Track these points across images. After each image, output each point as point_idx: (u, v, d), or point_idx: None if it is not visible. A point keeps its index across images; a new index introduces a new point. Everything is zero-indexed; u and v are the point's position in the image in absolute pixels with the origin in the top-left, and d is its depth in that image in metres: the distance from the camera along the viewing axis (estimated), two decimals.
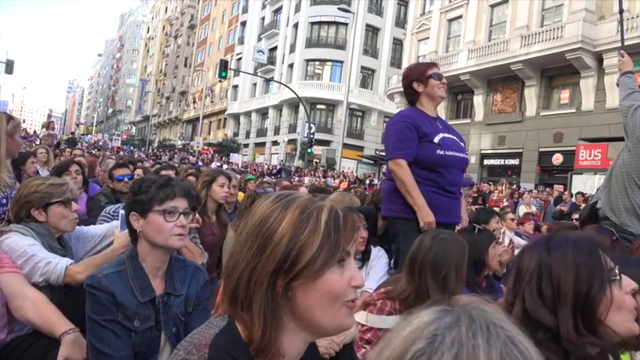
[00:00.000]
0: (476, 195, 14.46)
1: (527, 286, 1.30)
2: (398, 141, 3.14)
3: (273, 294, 0.94)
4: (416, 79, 3.29)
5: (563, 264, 1.26)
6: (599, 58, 18.63)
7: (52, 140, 14.55)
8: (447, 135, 3.26)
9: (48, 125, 15.74)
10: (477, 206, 11.57)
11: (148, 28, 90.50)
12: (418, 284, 2.27)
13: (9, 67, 31.92)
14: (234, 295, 0.97)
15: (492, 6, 23.95)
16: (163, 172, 4.74)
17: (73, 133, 54.63)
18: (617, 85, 3.60)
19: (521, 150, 21.93)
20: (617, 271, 1.25)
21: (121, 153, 30.71)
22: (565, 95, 20.75)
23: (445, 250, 2.27)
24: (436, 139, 3.18)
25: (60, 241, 2.48)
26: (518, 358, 0.58)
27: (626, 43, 4.01)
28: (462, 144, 3.38)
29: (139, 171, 5.53)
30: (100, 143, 45.68)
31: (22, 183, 2.55)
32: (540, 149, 21.19)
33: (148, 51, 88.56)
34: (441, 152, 3.16)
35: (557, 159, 20.16)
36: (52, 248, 2.35)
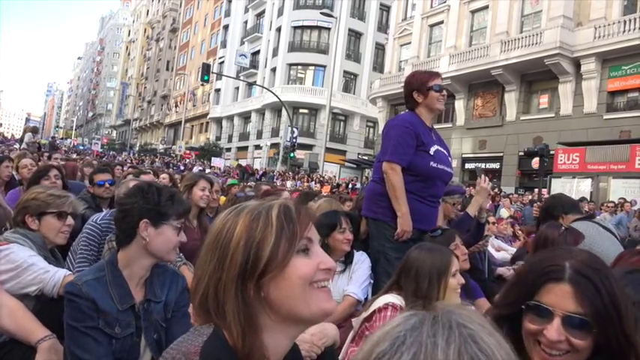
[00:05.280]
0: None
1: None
2: (398, 145, 3.14)
3: (245, 298, 0.95)
4: (416, 88, 3.30)
5: None
6: (576, 63, 18.99)
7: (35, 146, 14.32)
8: (440, 148, 3.30)
9: (34, 130, 15.47)
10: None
11: (129, 31, 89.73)
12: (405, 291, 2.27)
13: None
14: (205, 307, 0.98)
15: (473, 12, 24.27)
16: (144, 177, 4.68)
17: (53, 138, 53.86)
18: None
19: (501, 154, 22.21)
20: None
21: (104, 158, 30.24)
22: (544, 100, 21.10)
23: (424, 258, 2.28)
24: (432, 151, 3.21)
25: (52, 253, 2.47)
26: (477, 354, 0.59)
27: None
28: (450, 158, 3.42)
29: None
30: (81, 147, 45.00)
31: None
32: (520, 153, 21.45)
33: (129, 54, 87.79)
34: (434, 165, 3.19)
35: (537, 163, 20.41)
36: (47, 259, 2.32)
